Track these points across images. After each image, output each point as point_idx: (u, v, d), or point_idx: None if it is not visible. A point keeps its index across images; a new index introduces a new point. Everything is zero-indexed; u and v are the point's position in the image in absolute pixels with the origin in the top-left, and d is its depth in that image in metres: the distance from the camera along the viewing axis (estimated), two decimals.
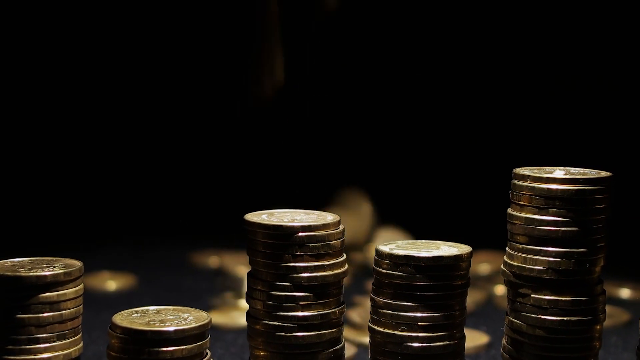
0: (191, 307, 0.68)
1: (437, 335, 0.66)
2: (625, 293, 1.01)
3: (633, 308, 0.92)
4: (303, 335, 0.66)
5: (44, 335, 0.63)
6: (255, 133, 1.34)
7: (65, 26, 1.28)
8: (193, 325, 0.64)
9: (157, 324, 0.64)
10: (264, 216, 0.68)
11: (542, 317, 0.66)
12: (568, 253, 0.65)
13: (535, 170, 0.67)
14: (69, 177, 1.30)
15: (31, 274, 0.63)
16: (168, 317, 0.65)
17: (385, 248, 0.67)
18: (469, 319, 0.80)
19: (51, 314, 0.63)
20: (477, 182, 1.22)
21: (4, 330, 0.62)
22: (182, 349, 0.63)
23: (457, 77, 1.29)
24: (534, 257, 0.66)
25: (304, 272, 0.66)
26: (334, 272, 0.67)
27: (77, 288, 0.65)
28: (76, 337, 0.65)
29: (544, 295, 0.66)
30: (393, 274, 0.66)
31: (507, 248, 0.68)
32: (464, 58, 1.27)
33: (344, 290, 0.68)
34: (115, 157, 1.32)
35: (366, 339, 0.70)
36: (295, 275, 0.66)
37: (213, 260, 1.11)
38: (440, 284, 0.66)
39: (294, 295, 0.66)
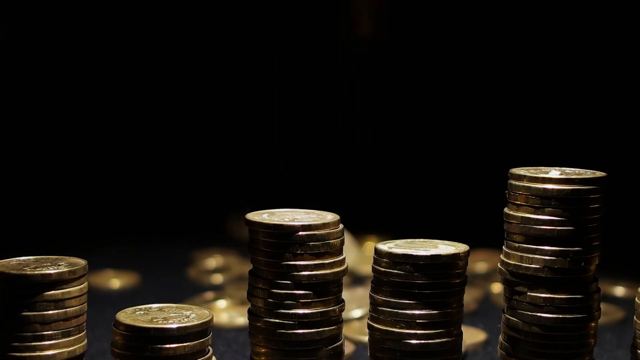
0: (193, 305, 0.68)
1: (435, 333, 0.66)
2: (619, 291, 1.01)
3: (627, 306, 0.92)
4: (303, 333, 0.66)
5: (49, 332, 0.63)
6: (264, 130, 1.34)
7: (65, 26, 1.28)
8: (195, 322, 0.64)
9: (160, 322, 0.64)
10: (265, 215, 0.68)
11: (538, 314, 0.66)
12: (563, 252, 0.65)
13: (532, 171, 0.67)
14: (73, 178, 1.30)
15: (36, 272, 0.63)
16: (171, 315, 0.65)
17: (384, 247, 0.67)
18: (467, 317, 0.80)
19: (56, 311, 0.63)
20: (475, 182, 1.22)
21: (10, 327, 0.62)
22: (185, 345, 0.63)
23: (455, 78, 1.29)
24: (530, 255, 0.66)
25: (304, 271, 0.66)
26: (334, 270, 0.67)
27: (82, 286, 0.65)
28: (80, 335, 0.65)
29: (540, 293, 0.66)
30: (392, 272, 0.66)
31: (503, 247, 0.68)
32: (463, 59, 1.27)
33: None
34: (117, 157, 1.32)
35: None
36: (295, 273, 0.66)
37: (216, 259, 1.11)
38: (438, 282, 0.66)
39: (295, 293, 0.66)
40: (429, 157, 1.31)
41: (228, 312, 0.90)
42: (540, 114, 1.25)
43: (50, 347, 0.63)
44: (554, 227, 0.65)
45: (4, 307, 0.62)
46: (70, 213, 1.26)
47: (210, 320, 0.65)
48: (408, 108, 1.32)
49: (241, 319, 0.87)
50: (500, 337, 0.69)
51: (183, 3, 1.32)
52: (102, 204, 1.29)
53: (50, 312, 0.63)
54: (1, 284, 0.63)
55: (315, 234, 0.66)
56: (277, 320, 0.66)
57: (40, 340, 0.63)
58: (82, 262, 0.66)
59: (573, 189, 0.65)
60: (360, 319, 0.87)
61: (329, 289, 0.67)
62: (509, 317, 0.67)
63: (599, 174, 0.67)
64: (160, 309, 0.67)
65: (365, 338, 0.70)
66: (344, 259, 0.68)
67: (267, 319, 0.66)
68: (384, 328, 0.67)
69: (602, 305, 0.69)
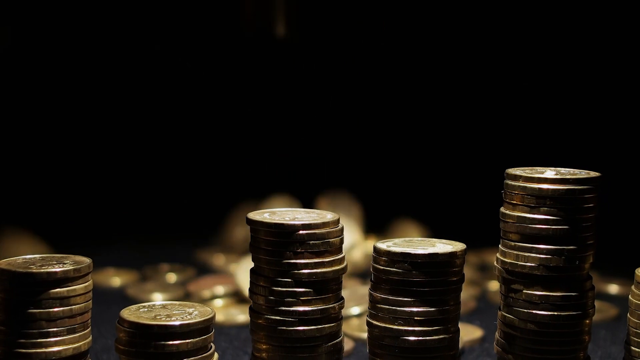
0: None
1: (432, 330, 0.66)
2: (613, 289, 1.01)
3: (621, 303, 0.92)
4: (304, 330, 0.66)
5: (55, 329, 0.63)
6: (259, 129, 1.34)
7: (65, 26, 1.28)
8: (198, 319, 0.64)
9: (163, 319, 0.64)
10: (266, 215, 0.68)
11: (534, 311, 0.66)
12: (558, 250, 0.65)
13: (527, 171, 0.67)
14: (77, 180, 1.30)
15: (42, 270, 0.63)
16: (174, 312, 0.65)
17: (382, 245, 0.67)
18: (464, 314, 0.80)
19: (61, 308, 0.63)
20: (471, 182, 1.22)
21: (17, 324, 0.62)
22: (187, 342, 0.63)
23: (454, 79, 1.29)
24: (526, 254, 0.66)
25: (305, 269, 0.66)
26: (334, 268, 0.67)
27: (87, 284, 0.65)
28: (85, 331, 0.65)
29: (536, 290, 0.66)
30: (390, 270, 0.66)
31: (500, 245, 0.68)
32: (463, 60, 1.27)
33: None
34: (117, 157, 1.32)
35: None
36: (296, 271, 0.66)
37: (217, 258, 1.11)
38: (435, 280, 0.66)
39: (295, 291, 0.66)
40: (427, 158, 1.31)
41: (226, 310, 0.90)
42: (535, 116, 1.25)
43: (55, 343, 0.63)
44: (549, 226, 0.65)
45: (11, 305, 0.63)
46: (74, 213, 1.26)
47: (213, 318, 0.65)
48: (408, 109, 1.32)
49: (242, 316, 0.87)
50: (497, 334, 0.69)
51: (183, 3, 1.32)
52: (104, 204, 1.29)
53: (55, 309, 0.63)
54: (8, 281, 0.63)
55: (315, 233, 0.66)
56: (278, 318, 0.66)
57: (46, 337, 0.63)
58: (87, 260, 0.66)
59: (568, 189, 0.65)
60: (359, 316, 0.87)
61: (328, 287, 0.67)
62: (505, 314, 0.67)
63: (593, 174, 0.67)
64: (164, 307, 0.67)
65: (364, 335, 0.70)
66: (344, 257, 0.68)
67: (268, 316, 0.66)
68: (383, 325, 0.67)
69: (596, 303, 0.69)
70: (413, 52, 1.29)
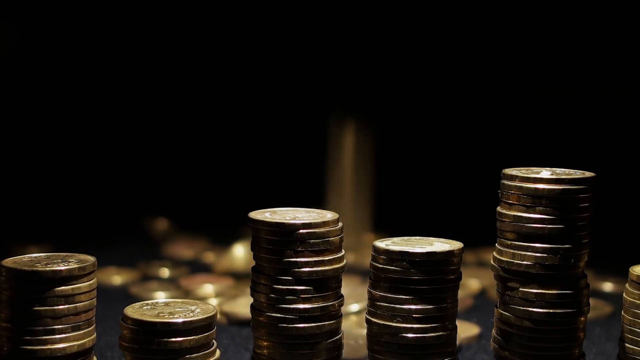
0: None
1: (430, 327, 0.66)
2: (607, 287, 1.01)
3: (615, 301, 0.92)
4: (304, 327, 0.66)
5: (60, 326, 0.63)
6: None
7: (66, 26, 1.28)
8: (200, 317, 0.64)
9: (166, 316, 0.64)
10: (267, 214, 0.68)
11: (530, 309, 0.66)
12: (554, 249, 0.65)
13: (523, 171, 0.67)
14: (81, 181, 1.30)
15: (47, 268, 0.63)
16: (177, 310, 0.66)
17: (381, 244, 0.67)
18: (461, 311, 0.80)
19: (66, 306, 0.63)
20: (469, 183, 1.22)
21: (22, 321, 0.63)
22: (190, 339, 0.63)
23: (452, 81, 1.29)
24: (522, 252, 0.66)
25: (305, 267, 0.66)
26: (333, 267, 0.67)
27: (91, 282, 0.65)
28: (90, 328, 0.65)
29: (532, 288, 0.66)
30: (389, 268, 0.66)
31: (496, 244, 0.68)
32: (461, 61, 1.27)
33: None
34: (118, 159, 1.32)
35: None
36: (296, 270, 0.66)
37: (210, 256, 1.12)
38: (433, 278, 0.66)
39: (296, 289, 0.66)
40: (425, 159, 1.31)
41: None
42: (531, 117, 1.25)
43: (60, 340, 0.63)
44: (544, 226, 0.65)
45: (17, 302, 0.63)
46: (78, 213, 1.26)
47: (215, 315, 0.65)
48: (406, 109, 1.32)
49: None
50: (493, 331, 0.69)
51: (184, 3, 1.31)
52: (106, 204, 1.29)
53: (60, 307, 0.63)
54: (14, 280, 0.63)
55: (315, 232, 0.66)
56: (279, 315, 0.66)
57: (51, 334, 0.63)
58: (91, 259, 0.66)
59: (563, 189, 0.65)
60: (358, 313, 0.87)
61: (328, 285, 0.67)
62: (502, 311, 0.68)
63: (588, 174, 0.67)
64: (167, 304, 0.67)
65: (364, 331, 0.70)
66: (343, 255, 0.68)
67: (269, 314, 0.67)
68: (382, 322, 0.67)
69: (591, 301, 0.69)
70: (411, 52, 1.29)
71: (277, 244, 0.66)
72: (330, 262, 0.67)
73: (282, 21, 1.32)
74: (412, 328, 0.66)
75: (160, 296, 0.94)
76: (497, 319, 0.68)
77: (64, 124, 1.30)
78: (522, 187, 0.66)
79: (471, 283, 1.00)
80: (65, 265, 0.64)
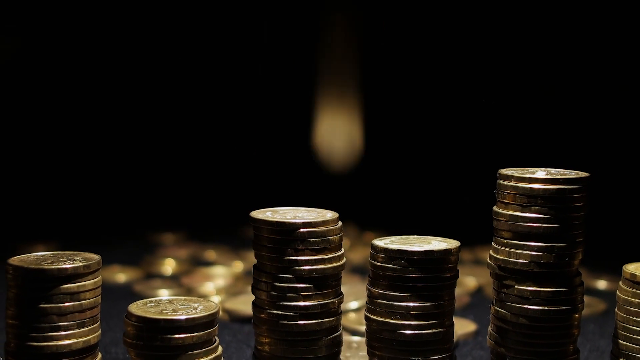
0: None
1: (428, 324, 0.66)
2: (601, 284, 1.01)
3: (609, 298, 0.92)
4: (304, 324, 0.66)
5: (65, 323, 0.63)
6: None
7: (66, 25, 1.28)
8: (203, 314, 0.64)
9: (170, 313, 0.64)
10: (268, 213, 0.68)
11: (525, 306, 0.66)
12: (549, 247, 0.65)
13: (519, 171, 0.68)
14: (85, 181, 1.30)
15: (53, 266, 0.63)
16: (180, 307, 0.66)
17: (380, 243, 0.67)
18: (458, 309, 0.80)
19: (71, 303, 0.63)
20: (465, 182, 1.22)
21: (29, 318, 0.63)
22: (193, 336, 0.63)
23: (451, 82, 1.29)
24: (518, 251, 0.66)
25: (305, 265, 0.66)
26: (333, 265, 0.67)
27: (96, 280, 0.65)
28: (95, 325, 0.65)
29: (527, 286, 0.66)
30: (387, 266, 0.66)
31: (493, 243, 0.68)
32: (459, 62, 1.27)
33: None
34: (121, 159, 1.32)
35: None
36: (297, 268, 0.66)
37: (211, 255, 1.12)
38: (431, 276, 0.66)
39: (296, 287, 0.66)
40: (423, 159, 1.31)
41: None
42: (527, 118, 1.25)
43: (66, 337, 0.63)
44: (540, 225, 0.65)
45: (23, 300, 0.63)
46: (83, 212, 1.26)
47: (217, 312, 0.65)
48: (404, 110, 1.32)
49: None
50: (490, 327, 0.69)
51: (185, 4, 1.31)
52: (110, 204, 1.29)
53: (66, 304, 0.63)
54: (20, 278, 0.63)
55: (315, 231, 0.66)
56: (280, 312, 0.66)
57: (57, 331, 0.63)
58: (96, 257, 0.66)
59: (558, 189, 0.65)
60: (357, 310, 0.87)
61: (328, 283, 0.67)
62: (498, 309, 0.68)
63: (582, 174, 0.67)
64: (170, 301, 0.67)
65: (363, 328, 0.70)
66: (343, 254, 0.68)
67: (271, 311, 0.67)
68: (380, 319, 0.67)
69: (585, 298, 0.69)
70: (410, 52, 1.29)
71: (278, 243, 0.66)
72: (330, 260, 0.67)
73: (282, 21, 1.32)
74: (410, 325, 0.66)
75: (164, 294, 0.94)
76: (493, 316, 0.68)
77: (69, 125, 1.30)
78: (517, 187, 0.66)
79: (468, 281, 1.00)
80: (70, 264, 0.64)
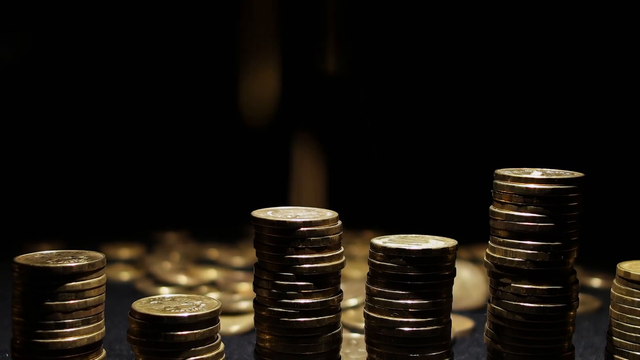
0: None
1: (426, 321, 0.66)
2: (596, 282, 1.01)
3: (603, 296, 0.92)
4: (304, 321, 0.66)
5: (70, 320, 0.63)
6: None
7: (67, 25, 1.28)
8: (205, 311, 0.64)
9: (173, 311, 0.64)
10: (269, 213, 0.68)
11: (521, 304, 0.66)
12: (544, 246, 0.66)
13: (515, 171, 0.68)
14: (89, 181, 1.30)
15: (58, 265, 0.63)
16: (182, 304, 0.66)
17: (379, 241, 0.67)
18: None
19: (76, 301, 0.63)
20: (463, 182, 1.22)
21: (34, 316, 0.63)
22: (195, 333, 0.64)
23: (449, 82, 1.29)
24: (514, 249, 0.66)
25: (306, 264, 0.66)
26: (333, 263, 0.67)
27: (100, 278, 0.65)
28: (99, 322, 0.65)
29: (523, 284, 0.66)
30: (386, 265, 0.66)
31: (489, 241, 0.68)
32: (457, 62, 1.27)
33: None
34: (126, 157, 1.32)
35: None
36: (297, 266, 0.66)
37: (213, 254, 1.12)
38: (429, 274, 0.66)
39: (297, 285, 0.66)
40: (421, 160, 1.31)
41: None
42: (523, 119, 1.25)
43: (71, 334, 0.63)
44: (535, 224, 0.65)
45: (29, 298, 0.63)
46: (88, 212, 1.26)
47: (219, 309, 0.65)
48: (402, 110, 1.32)
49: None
50: (486, 325, 0.69)
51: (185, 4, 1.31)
52: (113, 204, 1.29)
53: (71, 302, 0.63)
54: (26, 276, 0.63)
55: (315, 230, 0.66)
56: (281, 309, 0.66)
57: (62, 328, 0.63)
58: (100, 255, 0.66)
59: (553, 189, 0.65)
60: (356, 307, 0.87)
61: (328, 281, 0.67)
62: (494, 306, 0.68)
63: (577, 174, 0.67)
64: (173, 299, 0.67)
65: (362, 325, 0.70)
66: (342, 252, 0.68)
67: (271, 308, 0.67)
68: (379, 317, 0.67)
69: (580, 296, 0.69)
70: (408, 52, 1.29)
71: (279, 242, 0.66)
72: (329, 258, 0.67)
73: (282, 21, 1.32)
74: (408, 322, 0.66)
75: (166, 291, 0.94)
76: (490, 314, 0.68)
77: (73, 125, 1.30)
78: (513, 186, 0.66)
79: None
80: (75, 262, 0.64)
